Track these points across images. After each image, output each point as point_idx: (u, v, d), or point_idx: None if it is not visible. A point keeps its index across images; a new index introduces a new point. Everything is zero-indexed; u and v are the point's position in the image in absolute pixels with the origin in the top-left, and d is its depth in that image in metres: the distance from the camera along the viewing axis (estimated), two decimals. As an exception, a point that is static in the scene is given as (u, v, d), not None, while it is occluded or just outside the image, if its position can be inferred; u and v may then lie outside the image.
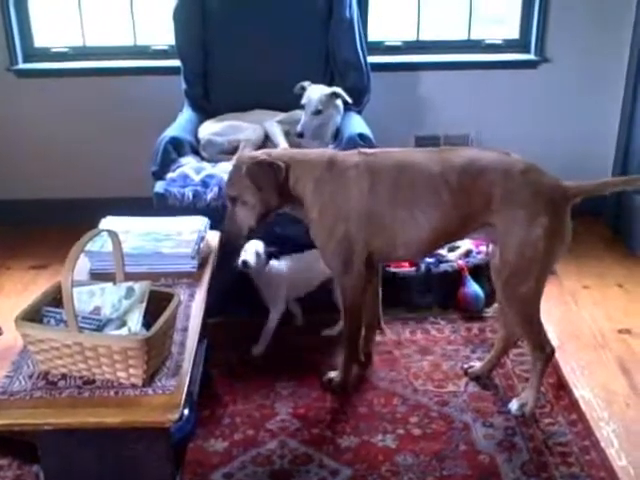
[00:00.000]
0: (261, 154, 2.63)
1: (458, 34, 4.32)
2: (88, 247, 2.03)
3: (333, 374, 2.82)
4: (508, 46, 4.29)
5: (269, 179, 2.53)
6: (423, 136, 4.26)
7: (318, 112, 3.47)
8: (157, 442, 1.96)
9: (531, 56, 4.21)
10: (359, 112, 3.76)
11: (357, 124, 3.53)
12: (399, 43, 4.28)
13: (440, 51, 4.27)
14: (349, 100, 3.54)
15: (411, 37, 4.29)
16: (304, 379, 2.87)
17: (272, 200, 2.57)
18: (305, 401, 2.76)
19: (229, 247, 2.80)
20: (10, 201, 4.27)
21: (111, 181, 4.27)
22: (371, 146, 3.29)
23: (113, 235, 2.04)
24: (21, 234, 4.20)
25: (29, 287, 3.71)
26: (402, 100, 4.24)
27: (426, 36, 4.30)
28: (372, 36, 4.18)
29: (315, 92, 3.49)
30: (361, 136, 3.32)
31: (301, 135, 3.45)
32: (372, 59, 3.92)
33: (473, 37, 4.30)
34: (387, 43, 4.27)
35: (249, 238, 2.83)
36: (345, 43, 3.78)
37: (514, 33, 4.28)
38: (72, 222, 3.93)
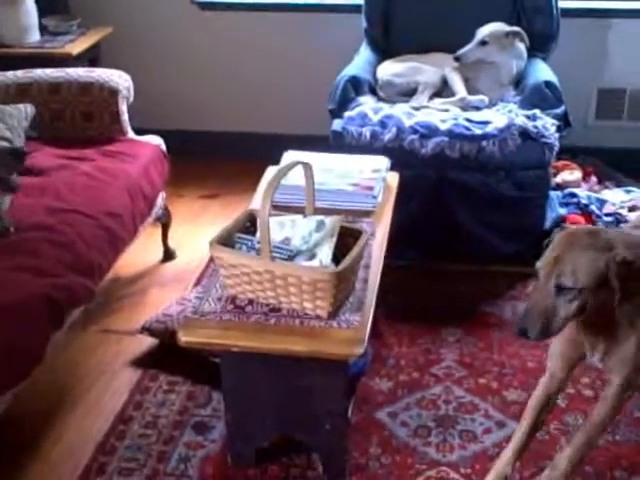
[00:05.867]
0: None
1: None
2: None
3: None
4: None
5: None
6: (607, 89, 4.02)
7: (483, 43, 3.39)
8: (335, 375, 1.99)
9: None
10: (544, 59, 3.59)
11: (543, 71, 3.38)
12: (592, -13, 4.03)
13: (637, -3, 3.97)
14: (527, 42, 3.43)
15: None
16: (471, 329, 2.84)
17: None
18: (471, 350, 2.73)
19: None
20: (185, 131, 4.38)
21: (284, 117, 4.30)
22: (557, 96, 3.16)
23: (308, 168, 2.06)
24: (193, 164, 4.29)
25: (200, 215, 3.84)
26: (587, 49, 3.99)
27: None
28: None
29: (491, 25, 3.41)
30: (547, 84, 3.18)
31: (457, 59, 3.38)
32: (561, 4, 3.70)
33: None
34: (579, -14, 4.03)
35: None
36: (535, -16, 3.61)
37: None
38: (242, 155, 4.06)
